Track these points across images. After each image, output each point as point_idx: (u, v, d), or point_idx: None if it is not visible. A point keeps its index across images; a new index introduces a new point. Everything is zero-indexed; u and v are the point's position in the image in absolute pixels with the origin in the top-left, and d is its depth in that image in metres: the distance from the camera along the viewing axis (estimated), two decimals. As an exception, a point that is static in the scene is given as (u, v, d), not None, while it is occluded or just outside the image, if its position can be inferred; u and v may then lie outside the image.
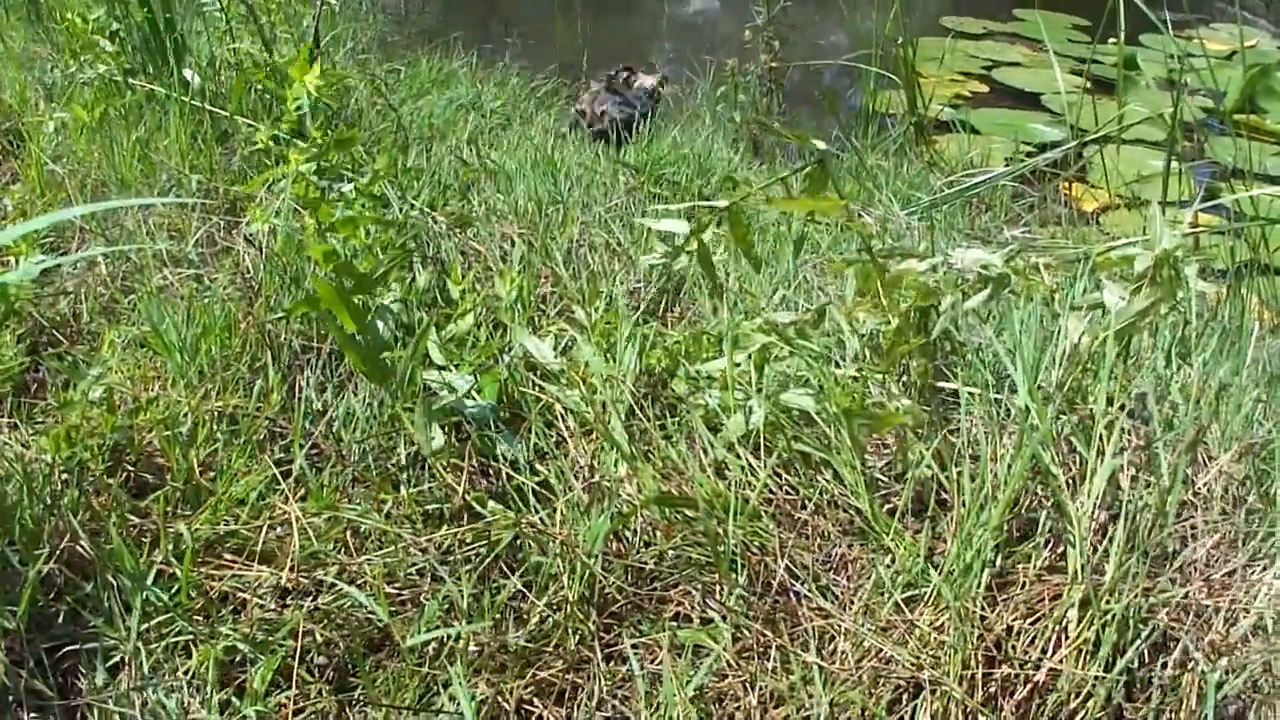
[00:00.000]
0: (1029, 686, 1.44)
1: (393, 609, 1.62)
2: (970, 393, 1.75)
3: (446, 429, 1.91)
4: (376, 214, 2.15)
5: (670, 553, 1.64)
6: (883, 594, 1.55)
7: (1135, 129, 5.19)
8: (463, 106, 4.40)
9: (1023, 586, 1.54)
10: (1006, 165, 4.73)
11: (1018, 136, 5.11)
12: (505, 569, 1.68)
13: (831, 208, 1.52)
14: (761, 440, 1.73)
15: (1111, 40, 4.41)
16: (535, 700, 1.55)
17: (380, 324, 1.82)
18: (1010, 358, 1.76)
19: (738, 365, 1.78)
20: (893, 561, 1.59)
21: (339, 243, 2.09)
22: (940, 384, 1.82)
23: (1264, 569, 1.62)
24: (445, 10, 7.82)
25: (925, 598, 1.53)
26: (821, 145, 1.50)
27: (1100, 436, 1.71)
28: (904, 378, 1.78)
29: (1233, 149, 4.18)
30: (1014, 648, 1.48)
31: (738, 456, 1.74)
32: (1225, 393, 2.12)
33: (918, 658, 1.46)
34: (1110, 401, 1.78)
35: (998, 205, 3.79)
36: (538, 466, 1.86)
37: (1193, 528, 1.68)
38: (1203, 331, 2.57)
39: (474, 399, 1.93)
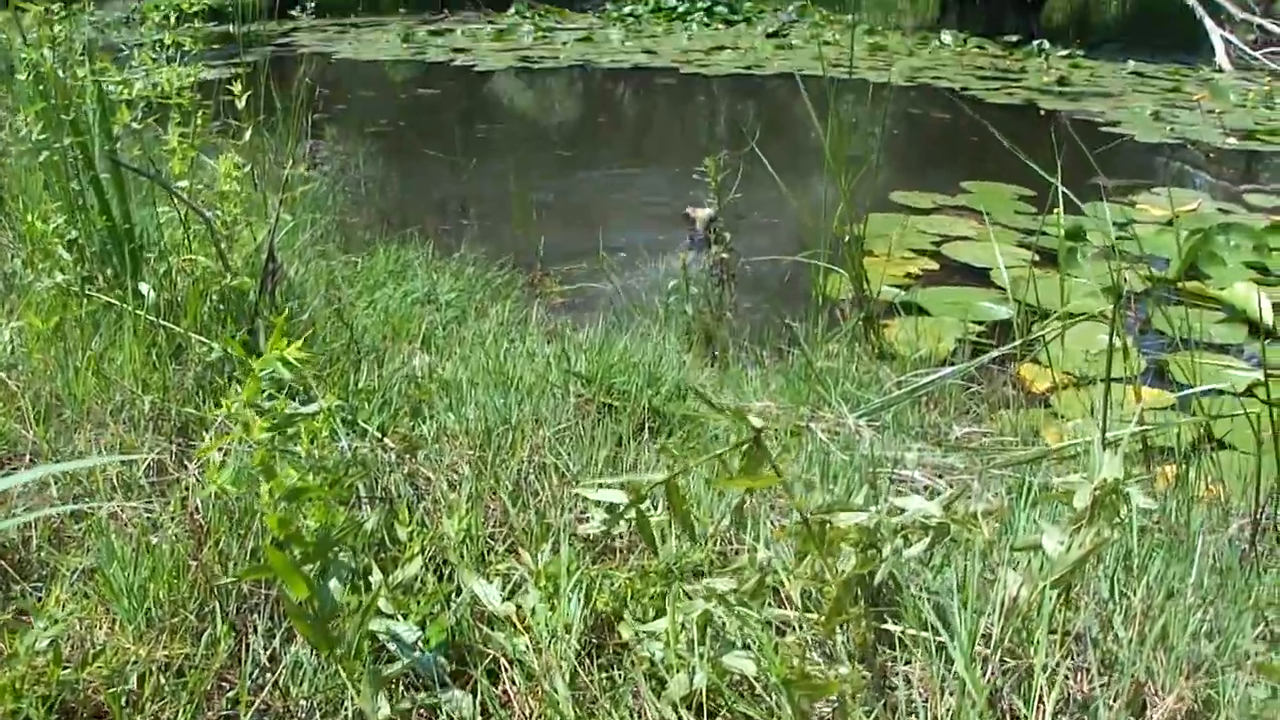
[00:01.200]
0: None
1: None
2: (912, 644, 1.77)
3: (393, 682, 1.91)
4: (328, 453, 2.17)
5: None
6: None
7: (1083, 302, 5.30)
8: (418, 301, 4.46)
9: None
10: (958, 346, 4.82)
11: (967, 317, 5.21)
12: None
13: (768, 483, 1.56)
14: (704, 702, 1.74)
15: (1056, 211, 4.54)
16: None
17: (334, 582, 1.83)
18: (949, 612, 1.78)
19: (681, 626, 1.79)
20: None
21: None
22: (883, 628, 1.84)
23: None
24: (404, 190, 7.96)
25: None
26: (757, 422, 1.54)
27: (1040, 692, 1.73)
28: (845, 635, 1.80)
29: (1177, 319, 4.28)
30: None
31: (680, 718, 1.75)
32: (1173, 606, 2.14)
33: None
34: (1051, 651, 1.81)
35: (947, 398, 3.86)
36: (483, 725, 1.86)
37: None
38: (1148, 548, 2.60)
39: (420, 650, 1.93)
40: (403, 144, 9.70)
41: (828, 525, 1.73)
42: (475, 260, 5.28)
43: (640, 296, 4.95)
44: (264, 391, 2.14)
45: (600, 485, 1.67)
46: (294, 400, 2.48)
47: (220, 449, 2.37)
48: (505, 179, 6.37)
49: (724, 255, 4.85)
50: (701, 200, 6.16)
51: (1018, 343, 3.88)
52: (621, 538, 2.41)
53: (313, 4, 8.53)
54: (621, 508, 1.66)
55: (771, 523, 2.32)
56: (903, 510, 1.77)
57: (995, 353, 3.73)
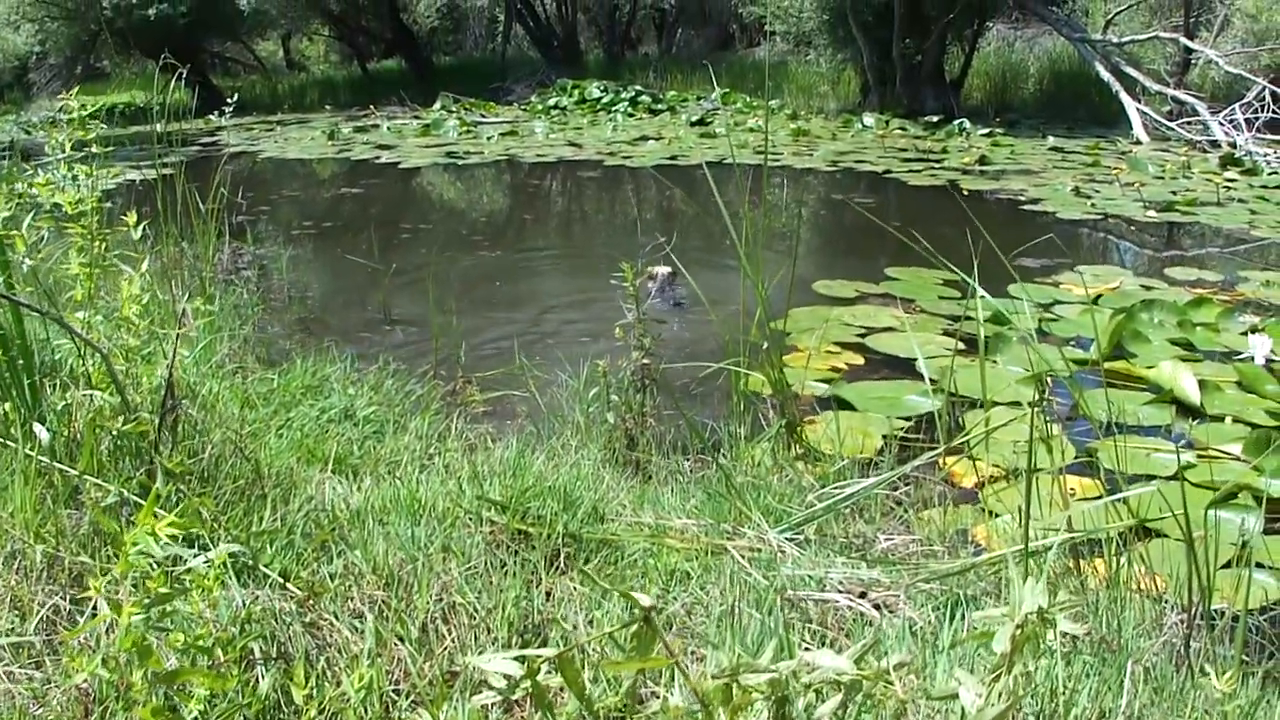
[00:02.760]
0: None
1: None
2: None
3: None
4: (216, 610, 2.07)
5: None
6: None
7: (1009, 390, 5.29)
8: (335, 419, 4.36)
9: None
10: (884, 444, 4.77)
11: (893, 412, 5.18)
12: None
13: (660, 664, 1.48)
14: None
15: (976, 297, 4.53)
16: None
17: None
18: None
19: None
20: None
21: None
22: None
23: None
24: (326, 295, 7.87)
25: None
26: (646, 601, 1.47)
27: None
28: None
29: (1104, 402, 4.26)
30: None
31: None
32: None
33: None
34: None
35: (873, 504, 3.80)
36: None
37: None
38: (1078, 669, 2.54)
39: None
40: (326, 245, 9.60)
41: (734, 686, 1.66)
42: (395, 371, 5.19)
43: (563, 403, 4.87)
44: (159, 541, 2.04)
45: (496, 657, 1.59)
46: (192, 547, 2.39)
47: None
48: (428, 280, 6.27)
49: (645, 361, 4.78)
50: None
51: (940, 450, 3.84)
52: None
53: (230, 107, 8.41)
54: (517, 679, 1.58)
55: (682, 673, 2.24)
56: (813, 667, 1.70)
57: (918, 461, 3.69)
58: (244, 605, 2.33)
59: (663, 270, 7.29)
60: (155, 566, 2.11)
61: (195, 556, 2.15)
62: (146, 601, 1.70)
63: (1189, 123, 16.25)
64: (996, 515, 4.21)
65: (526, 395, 5.03)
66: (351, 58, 31.04)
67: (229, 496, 3.02)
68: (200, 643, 1.99)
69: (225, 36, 28.51)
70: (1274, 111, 15.46)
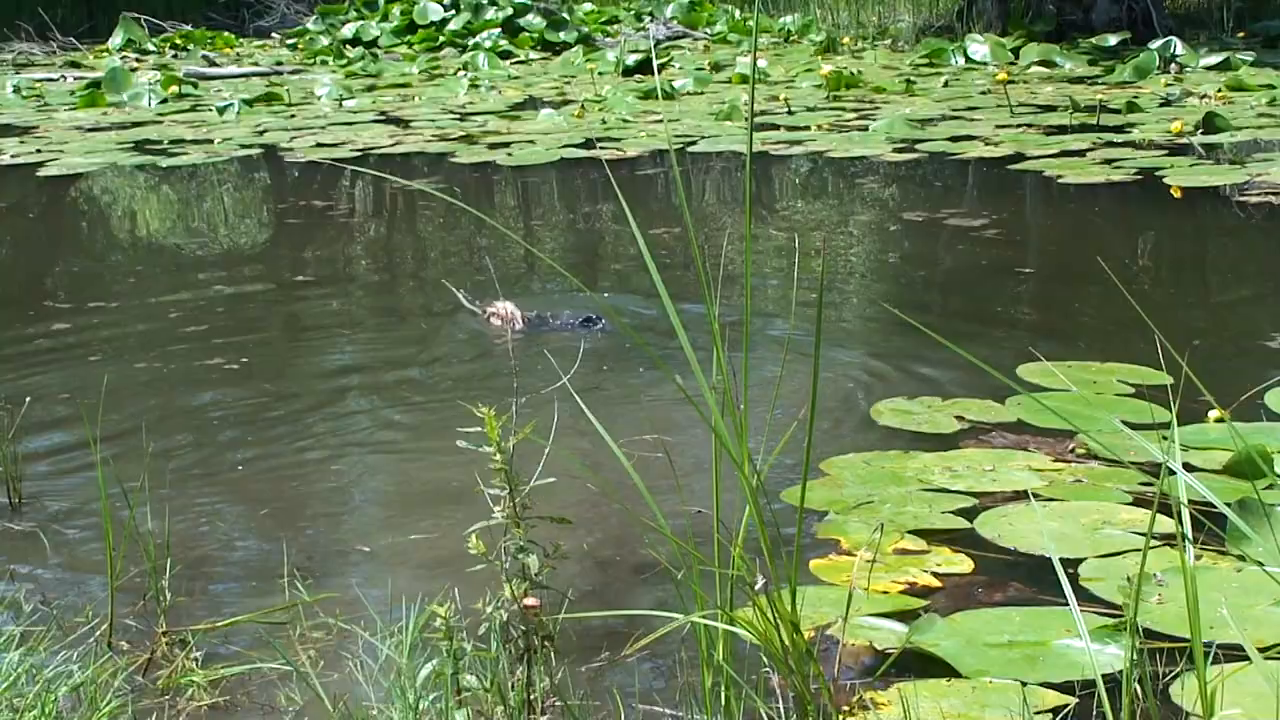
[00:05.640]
0: None
1: None
2: None
3: None
4: None
5: None
6: None
7: (1272, 625, 2.78)
8: None
9: None
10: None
11: (1034, 675, 2.61)
12: None
13: None
14: None
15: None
16: None
17: None
18: None
19: None
20: None
21: None
22: None
23: None
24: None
25: None
26: None
27: None
28: None
29: None
30: None
31: None
32: None
33: None
34: None
35: None
36: None
37: None
38: None
39: None
40: None
41: None
42: (32, 625, 2.68)
43: (367, 687, 2.39)
44: None
45: None
46: None
47: None
48: (96, 422, 3.19)
49: (531, 603, 2.37)
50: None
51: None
52: None
53: None
54: None
55: None
56: None
57: None
58: None
59: (507, 306, 5.07)
60: None
61: None
62: None
63: None
64: None
65: (294, 668, 2.51)
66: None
67: None
68: None
69: None
70: None
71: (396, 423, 4.25)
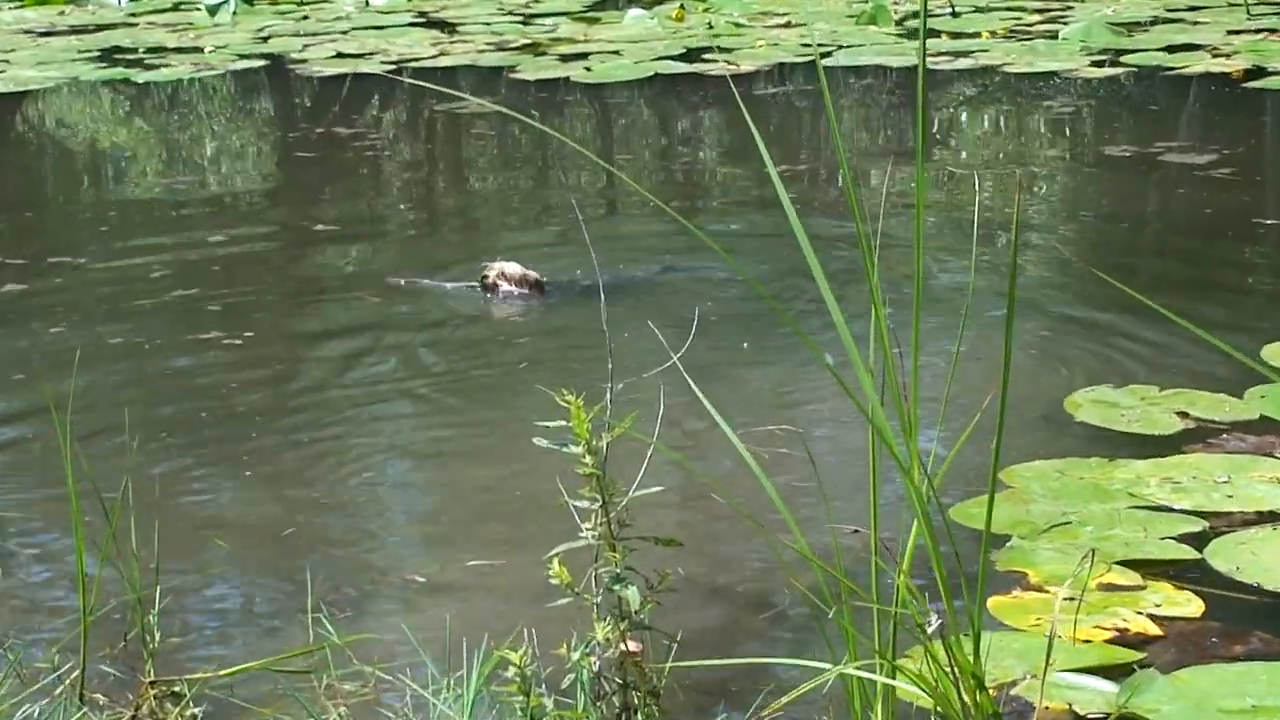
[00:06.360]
0: None
1: None
2: None
3: None
4: None
5: None
6: None
7: None
8: None
9: None
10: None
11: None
12: None
13: None
14: None
15: None
16: None
17: None
18: None
19: None
20: None
21: None
22: None
23: None
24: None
25: None
26: None
27: None
28: None
29: None
30: None
31: None
32: None
33: None
34: None
35: None
36: None
37: None
38: None
39: None
40: None
41: None
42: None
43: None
44: None
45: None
46: None
47: None
48: (70, 412, 2.50)
49: (632, 648, 2.00)
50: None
51: None
52: None
53: None
54: None
55: None
56: None
57: None
58: None
59: (511, 267, 4.63)
60: None
61: None
62: None
63: None
64: None
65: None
66: None
67: None
68: None
69: None
70: None
71: (443, 415, 3.79)
